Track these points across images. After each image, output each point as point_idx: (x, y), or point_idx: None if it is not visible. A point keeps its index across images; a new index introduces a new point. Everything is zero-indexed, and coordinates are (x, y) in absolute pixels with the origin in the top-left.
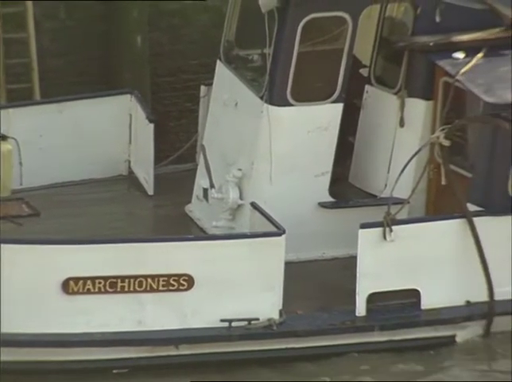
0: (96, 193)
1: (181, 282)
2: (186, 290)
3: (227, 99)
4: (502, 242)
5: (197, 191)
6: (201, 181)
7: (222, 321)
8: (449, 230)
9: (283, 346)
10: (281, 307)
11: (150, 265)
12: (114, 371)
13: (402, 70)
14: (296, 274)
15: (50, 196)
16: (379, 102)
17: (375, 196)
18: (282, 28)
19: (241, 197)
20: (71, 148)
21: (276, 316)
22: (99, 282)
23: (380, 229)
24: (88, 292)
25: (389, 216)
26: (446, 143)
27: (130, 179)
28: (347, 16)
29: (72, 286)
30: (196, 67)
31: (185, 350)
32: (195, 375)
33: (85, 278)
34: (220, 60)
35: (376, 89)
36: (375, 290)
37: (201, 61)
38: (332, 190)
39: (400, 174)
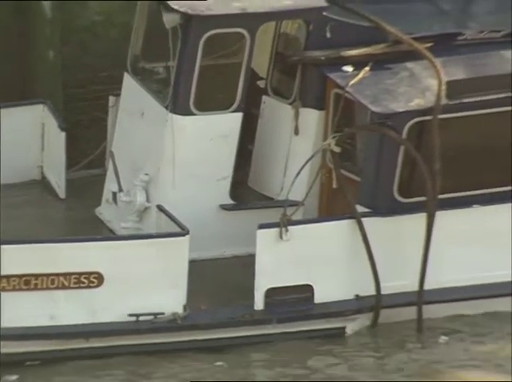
0: (10, 197)
1: (91, 280)
2: (96, 286)
3: (134, 108)
4: (388, 240)
5: (107, 194)
6: (110, 185)
7: (130, 315)
8: (340, 230)
9: (187, 338)
10: (185, 302)
11: (62, 264)
12: (27, 363)
13: (296, 82)
14: (200, 271)
15: None
16: (275, 111)
17: (272, 199)
18: (185, 43)
19: (148, 200)
20: None
21: (180, 310)
22: (14, 280)
23: (276, 229)
24: (3, 289)
25: (285, 217)
26: (337, 150)
27: (43, 183)
28: (245, 32)
29: None
30: (105, 79)
31: (95, 343)
32: (105, 366)
33: (0, 277)
34: (127, 72)
35: (272, 100)
36: (272, 286)
37: (110, 74)
38: (233, 193)
39: (295, 178)
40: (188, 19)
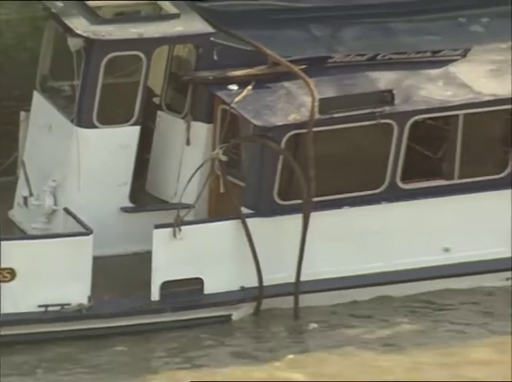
0: None
1: (5, 275)
2: (9, 281)
3: (43, 122)
4: (269, 238)
5: (18, 199)
6: (22, 190)
7: (39, 306)
8: (227, 229)
9: (91, 326)
10: (89, 294)
11: None
12: None
13: (188, 99)
14: (103, 266)
15: None
16: (169, 125)
17: (167, 202)
18: (88, 64)
19: (55, 204)
20: None
21: (85, 301)
22: None
23: (171, 229)
24: None
25: (178, 218)
26: (224, 158)
27: None
28: (141, 55)
29: None
30: (17, 96)
31: (8, 331)
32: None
33: None
34: (37, 90)
35: (166, 114)
36: (167, 279)
37: (21, 92)
38: (132, 197)
39: (187, 184)
40: (90, 43)
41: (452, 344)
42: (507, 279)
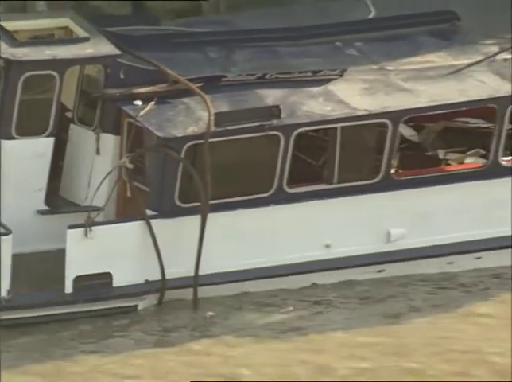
0: None
1: None
2: None
3: None
4: (171, 236)
5: None
6: None
7: None
8: (133, 229)
9: (10, 316)
10: (8, 288)
11: None
12: None
13: (97, 113)
14: (21, 263)
15: None
16: (81, 136)
17: (79, 205)
18: (7, 82)
19: None
20: None
21: (5, 294)
22: None
23: (82, 229)
24: None
25: (89, 219)
26: (130, 166)
27: None
28: (55, 74)
29: None
30: None
31: None
32: None
33: None
34: None
35: (78, 127)
36: (79, 274)
37: None
38: (47, 201)
39: (97, 189)
40: (9, 63)
41: (333, 329)
42: (379, 271)
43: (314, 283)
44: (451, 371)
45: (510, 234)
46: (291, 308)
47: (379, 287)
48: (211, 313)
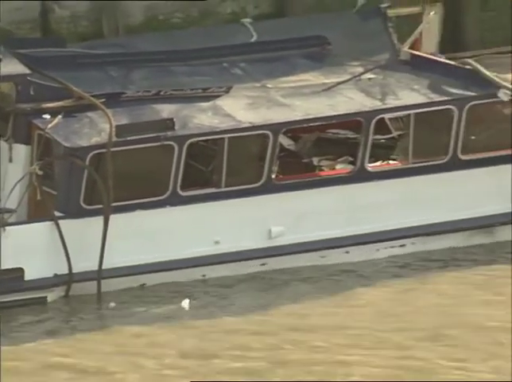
0: None
1: None
2: None
3: None
4: (78, 235)
5: None
6: None
7: None
8: (43, 229)
9: None
10: None
11: None
12: None
13: (10, 126)
14: None
15: None
16: None
17: None
18: None
19: None
20: None
21: None
22: None
23: None
24: None
25: (2, 220)
26: (40, 172)
27: None
28: None
29: None
30: None
31: None
32: None
33: None
34: None
35: None
36: None
37: None
38: None
39: (10, 193)
40: None
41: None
42: (262, 265)
43: (204, 276)
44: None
45: (374, 231)
46: (113, 304)
47: (263, 279)
48: (112, 304)
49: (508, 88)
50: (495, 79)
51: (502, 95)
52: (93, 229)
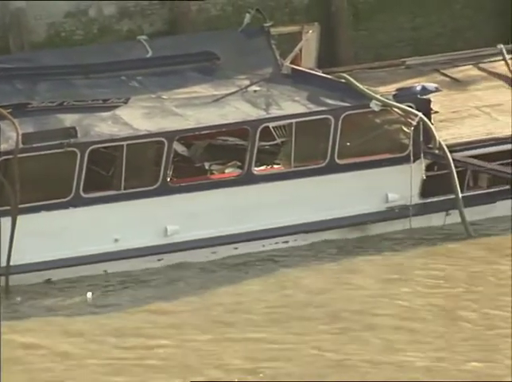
0: None
1: None
2: None
3: None
4: None
5: None
6: None
7: None
8: None
9: None
10: None
11: None
12: None
13: None
14: None
15: None
16: None
17: None
18: None
19: None
20: None
21: None
22: None
23: None
24: None
25: None
26: None
27: None
28: None
29: None
30: None
31: None
32: None
33: None
34: None
35: None
36: None
37: None
38: None
39: None
40: None
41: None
42: (159, 260)
43: (105, 271)
44: None
45: (261, 228)
46: (19, 298)
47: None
48: (18, 298)
49: (378, 100)
50: (367, 91)
51: (374, 106)
52: (2, 229)
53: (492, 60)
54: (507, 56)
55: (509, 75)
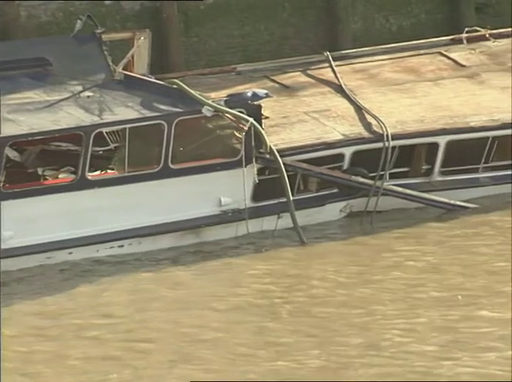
0: None
1: None
2: None
3: None
4: None
5: None
6: None
7: None
8: None
9: None
10: None
11: None
12: None
13: None
14: None
15: None
16: None
17: None
18: None
19: None
20: None
21: None
22: None
23: None
24: None
25: None
26: None
27: None
28: None
29: None
30: None
31: None
32: None
33: None
34: None
35: None
36: None
37: None
38: None
39: None
40: None
41: None
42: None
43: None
44: None
45: (95, 233)
46: None
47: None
48: None
49: (211, 105)
50: (199, 97)
51: (206, 111)
52: None
53: (319, 66)
54: (333, 63)
55: (335, 81)
